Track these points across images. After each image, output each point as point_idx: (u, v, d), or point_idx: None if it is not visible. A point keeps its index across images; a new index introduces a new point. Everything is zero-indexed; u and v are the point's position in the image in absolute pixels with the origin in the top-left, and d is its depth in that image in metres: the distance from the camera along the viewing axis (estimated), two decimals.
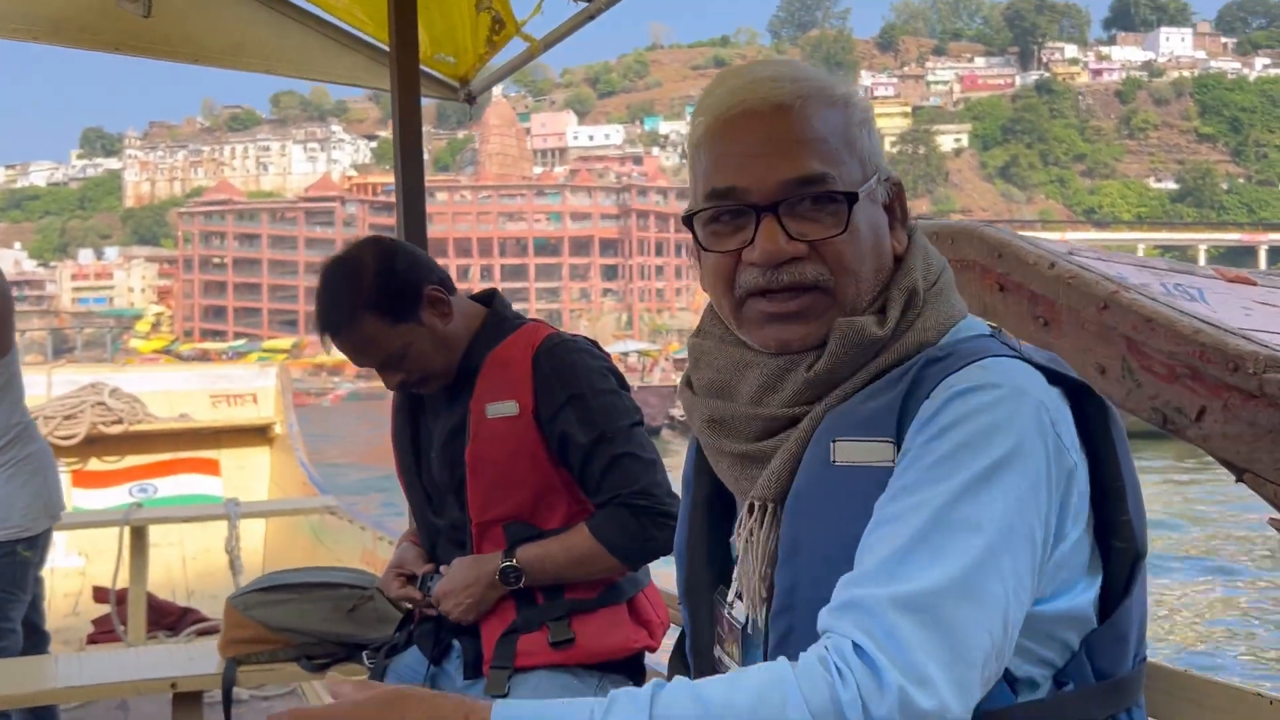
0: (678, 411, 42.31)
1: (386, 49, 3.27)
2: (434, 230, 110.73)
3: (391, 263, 2.05)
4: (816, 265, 1.07)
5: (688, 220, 1.13)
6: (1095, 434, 1.05)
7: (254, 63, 3.53)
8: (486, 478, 2.05)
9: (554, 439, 2.02)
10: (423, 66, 3.45)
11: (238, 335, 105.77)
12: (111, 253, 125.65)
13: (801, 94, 1.07)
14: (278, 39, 3.40)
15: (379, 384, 2.21)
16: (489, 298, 2.23)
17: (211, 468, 6.59)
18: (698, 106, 1.14)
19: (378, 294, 2.00)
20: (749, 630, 1.14)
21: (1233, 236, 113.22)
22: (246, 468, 6.70)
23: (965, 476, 0.95)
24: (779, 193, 1.06)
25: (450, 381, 2.12)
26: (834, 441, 1.03)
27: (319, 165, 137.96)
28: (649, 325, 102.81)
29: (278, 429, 6.72)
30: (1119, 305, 1.17)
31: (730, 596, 1.17)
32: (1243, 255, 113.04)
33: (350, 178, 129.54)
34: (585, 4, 2.94)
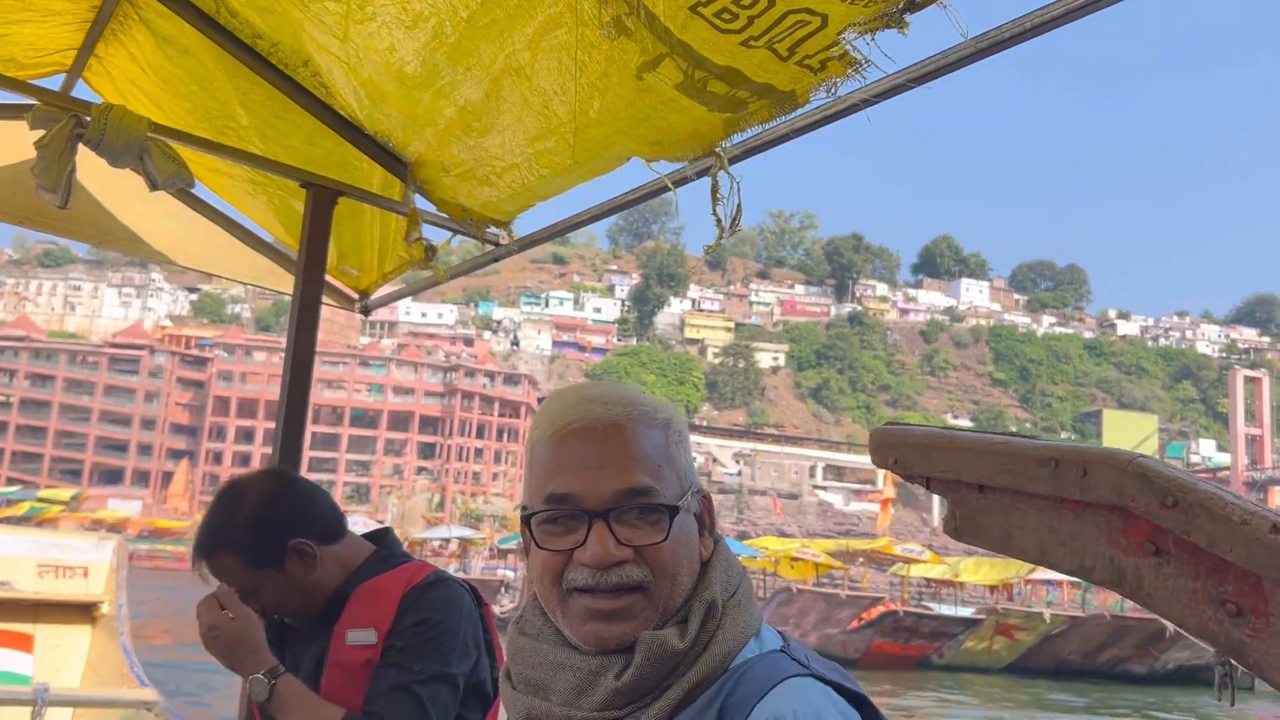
0: (499, 609, 40.94)
1: (291, 254, 3.22)
2: (246, 391, 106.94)
3: (268, 511, 2.14)
4: (640, 568, 1.16)
5: (526, 519, 1.22)
6: None
7: (159, 253, 3.42)
8: (340, 704, 2.01)
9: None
10: (325, 276, 3.41)
11: (12, 481, 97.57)
12: None
13: (631, 416, 1.21)
14: (185, 232, 3.34)
15: None
16: (382, 535, 2.32)
17: (24, 643, 6.03)
18: (539, 415, 1.26)
19: (242, 538, 2.10)
20: None
21: None
22: (63, 647, 6.15)
23: None
24: (610, 501, 1.17)
25: (315, 614, 2.15)
26: None
27: (132, 311, 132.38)
28: (461, 508, 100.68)
29: (104, 608, 6.22)
30: None
31: None
32: None
33: (164, 328, 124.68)
34: (494, 247, 3.03)
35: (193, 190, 3.03)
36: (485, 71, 2.17)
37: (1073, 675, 32.51)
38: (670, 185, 2.26)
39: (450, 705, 2.07)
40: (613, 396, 1.23)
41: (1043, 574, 40.84)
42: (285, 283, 3.33)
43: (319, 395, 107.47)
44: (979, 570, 40.17)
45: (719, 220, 1.99)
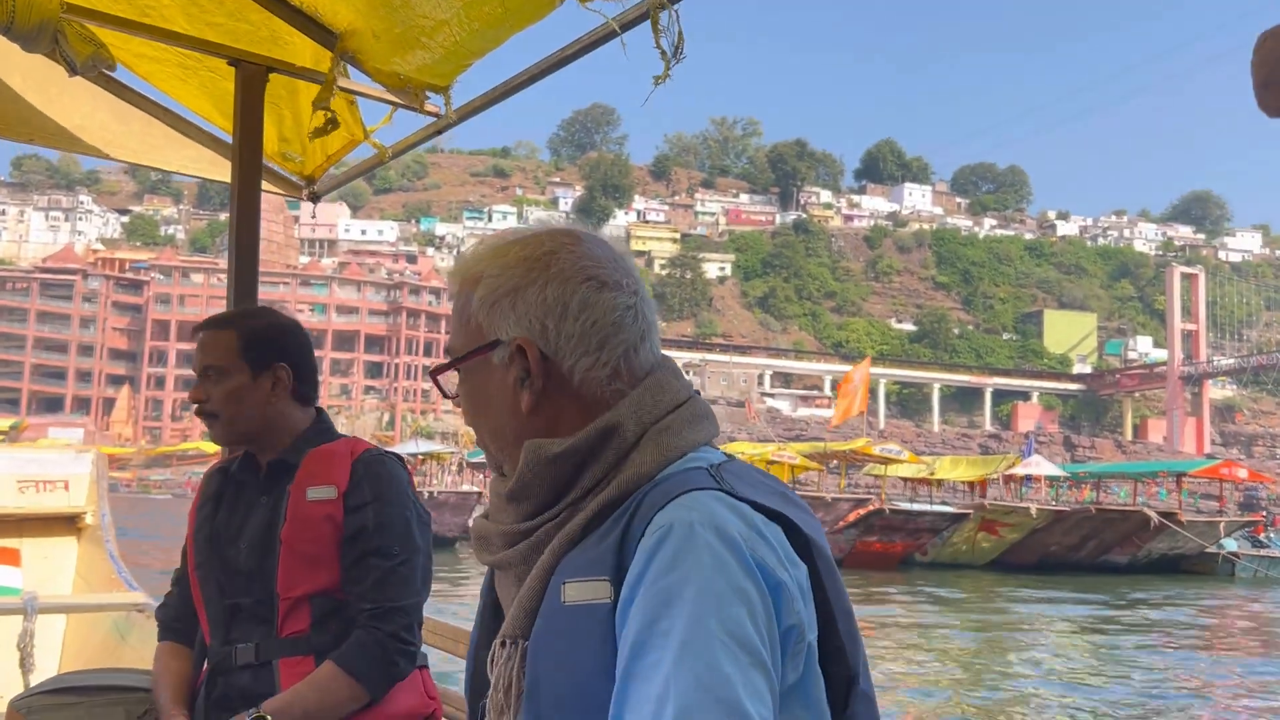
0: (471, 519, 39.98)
1: (229, 140, 3.15)
2: (185, 313, 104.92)
3: (287, 332, 2.32)
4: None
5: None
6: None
7: (92, 147, 3.32)
8: (299, 555, 2.16)
9: (350, 527, 2.17)
10: (268, 162, 3.35)
11: None
12: None
13: (462, 275, 1.28)
14: (119, 124, 3.23)
15: None
16: (318, 410, 2.44)
17: (11, 558, 6.00)
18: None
19: (254, 327, 2.28)
20: None
21: (962, 378, 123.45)
22: (51, 559, 6.12)
23: (683, 629, 0.98)
24: None
25: (254, 460, 2.30)
26: (564, 584, 1.10)
27: (61, 235, 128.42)
28: (412, 426, 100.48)
29: (88, 519, 6.20)
30: None
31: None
32: (970, 395, 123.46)
33: (96, 251, 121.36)
34: (433, 119, 2.97)
35: (114, 74, 2.93)
36: None
37: (1056, 568, 32.32)
38: (617, 28, 2.12)
39: (428, 575, 2.26)
40: (474, 251, 1.28)
41: (1020, 469, 40.73)
42: (226, 171, 3.26)
43: None
44: (955, 468, 39.99)
45: (663, 52, 1.93)
